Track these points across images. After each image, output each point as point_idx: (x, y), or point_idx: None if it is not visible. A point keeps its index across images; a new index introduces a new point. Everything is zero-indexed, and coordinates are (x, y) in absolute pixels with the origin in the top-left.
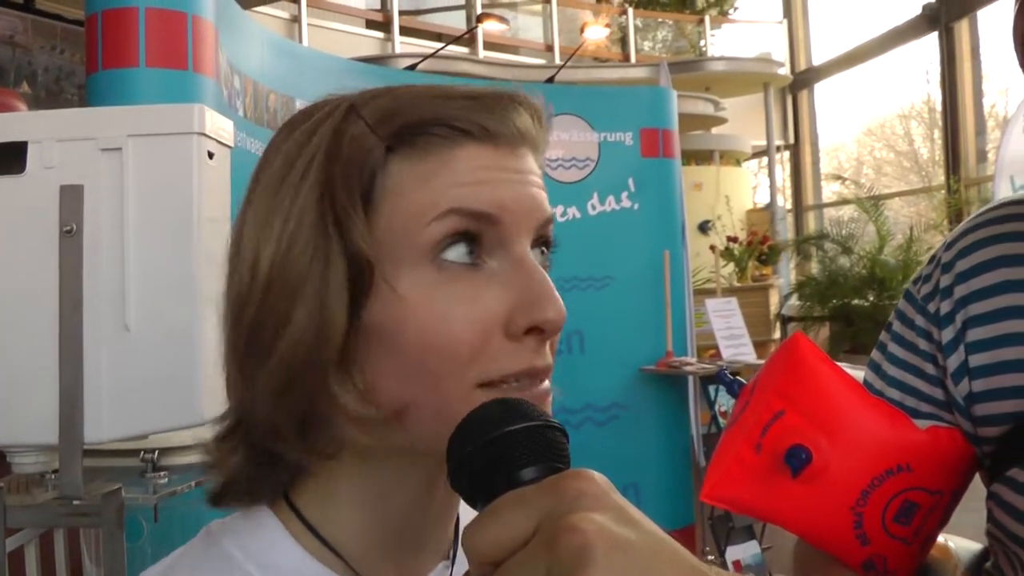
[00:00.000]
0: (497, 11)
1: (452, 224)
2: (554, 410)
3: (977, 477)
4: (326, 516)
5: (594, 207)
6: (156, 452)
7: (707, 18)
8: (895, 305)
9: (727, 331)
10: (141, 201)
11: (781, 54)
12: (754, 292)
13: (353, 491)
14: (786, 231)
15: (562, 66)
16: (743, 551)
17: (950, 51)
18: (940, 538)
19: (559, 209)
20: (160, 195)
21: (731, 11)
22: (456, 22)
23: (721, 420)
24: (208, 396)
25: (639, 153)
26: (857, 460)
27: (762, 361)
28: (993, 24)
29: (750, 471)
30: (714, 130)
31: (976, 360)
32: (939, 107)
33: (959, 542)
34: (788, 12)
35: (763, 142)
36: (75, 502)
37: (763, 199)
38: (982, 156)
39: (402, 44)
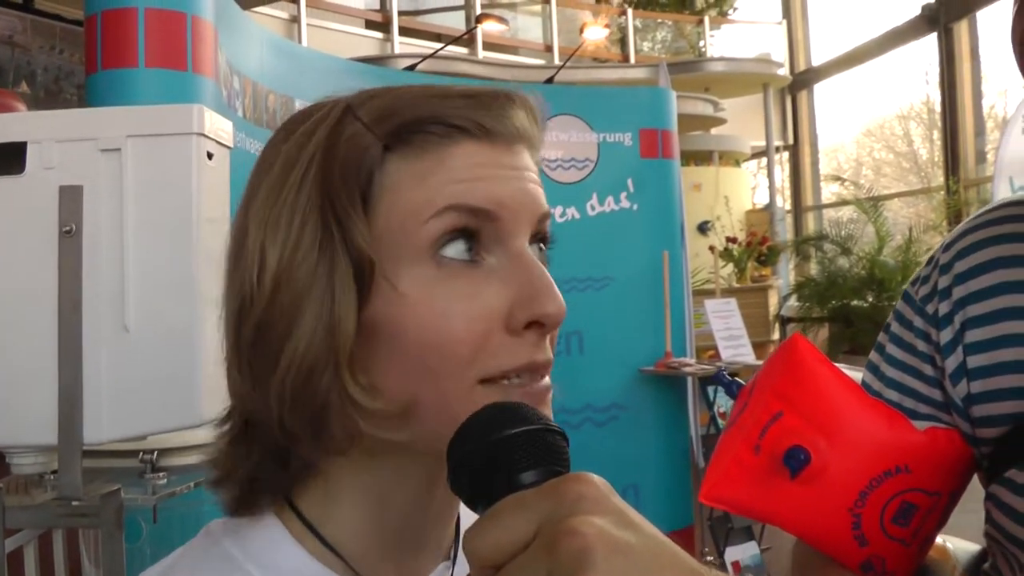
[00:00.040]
0: (496, 11)
1: (450, 221)
2: (553, 410)
3: (975, 478)
4: (327, 516)
5: (593, 208)
6: (155, 453)
7: (706, 19)
8: (894, 306)
9: (726, 332)
10: (140, 201)
11: (780, 55)
12: (753, 293)
13: (354, 491)
14: (785, 232)
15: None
16: (742, 552)
17: (949, 52)
18: (938, 539)
19: (558, 210)
20: (159, 195)
21: (730, 12)
22: (455, 22)
23: (720, 421)
24: (208, 397)
25: (638, 154)
26: (855, 461)
27: (761, 362)
28: (992, 25)
29: (749, 472)
30: (713, 131)
31: (974, 361)
32: (938, 108)
33: (957, 543)
34: (787, 13)
35: (762, 143)
36: (74, 503)
37: (762, 200)
38: (981, 157)
39: (401, 44)
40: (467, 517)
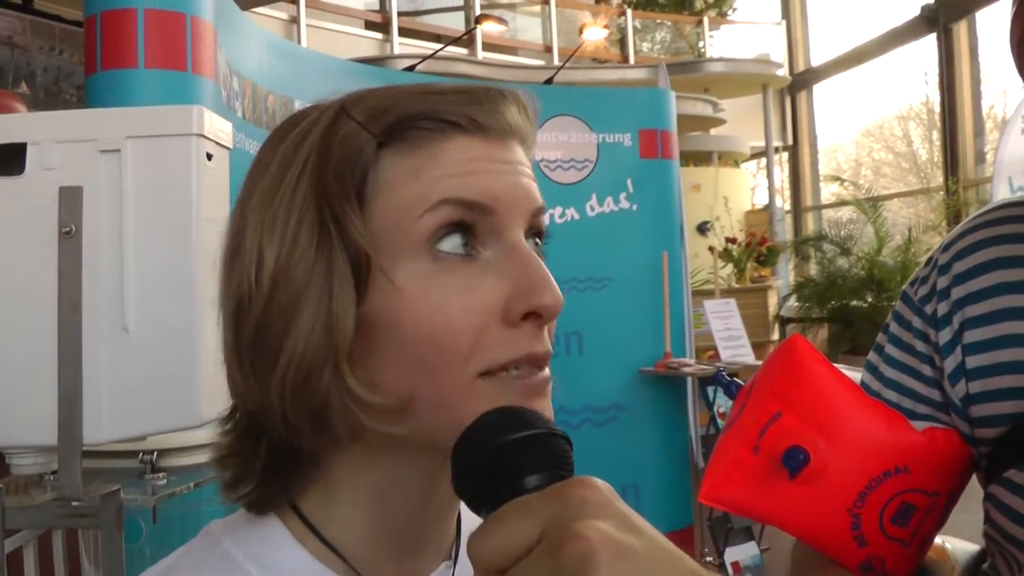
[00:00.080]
0: (496, 12)
1: (445, 215)
2: (553, 411)
3: (974, 478)
4: (327, 517)
5: (592, 208)
6: (155, 453)
7: (706, 19)
8: (893, 307)
9: (726, 332)
10: (140, 202)
11: (780, 55)
12: (753, 293)
13: (354, 491)
14: (785, 232)
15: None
16: (742, 552)
17: (949, 52)
18: (937, 539)
19: (557, 210)
20: (159, 196)
21: (730, 12)
22: (455, 23)
23: (720, 421)
24: (207, 397)
25: (638, 154)
26: (854, 462)
27: (760, 362)
28: (992, 25)
29: (748, 473)
30: (713, 131)
31: (973, 361)
32: (937, 108)
33: (956, 543)
34: (787, 13)
35: (762, 143)
36: (74, 503)
37: (762, 200)
38: (980, 157)
39: (401, 45)
40: (467, 516)
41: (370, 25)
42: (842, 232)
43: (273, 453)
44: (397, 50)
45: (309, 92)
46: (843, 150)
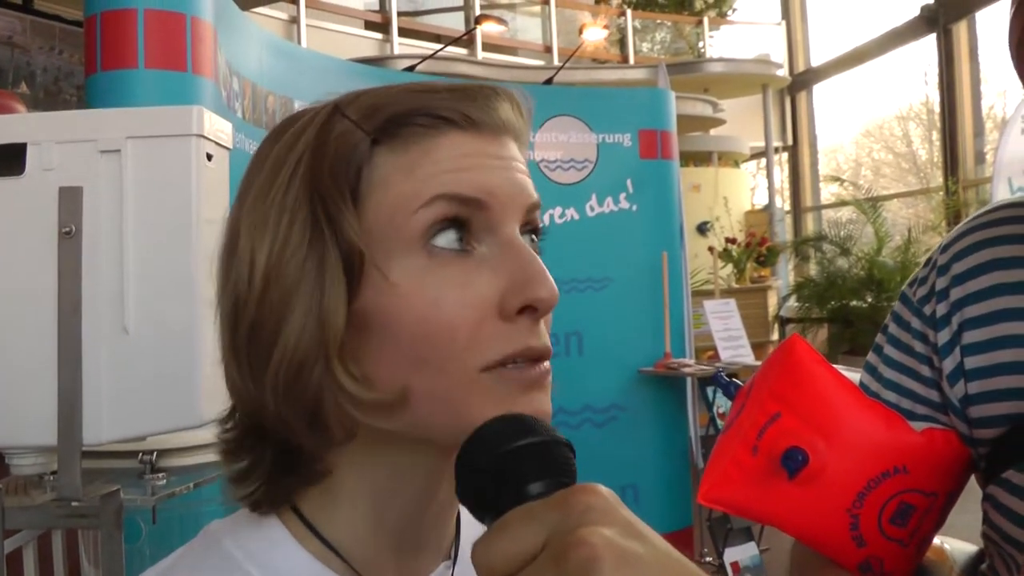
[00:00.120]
0: (496, 12)
1: (439, 210)
2: (552, 411)
3: (973, 479)
4: (327, 517)
5: (592, 208)
6: (155, 454)
7: (705, 19)
8: (892, 307)
9: (725, 332)
10: (140, 203)
11: (779, 55)
12: (752, 293)
13: (354, 492)
14: (784, 232)
15: (560, 67)
16: (741, 553)
17: (948, 53)
18: (936, 540)
19: (557, 210)
20: (159, 197)
21: (729, 12)
22: (455, 23)
23: (719, 421)
24: (207, 397)
25: (637, 154)
26: (853, 462)
27: (760, 363)
28: (991, 26)
29: (747, 473)
30: (712, 131)
31: (972, 362)
32: (937, 109)
33: (955, 544)
34: (786, 13)
35: (761, 143)
36: (73, 503)
37: (761, 200)
38: (980, 158)
39: (401, 45)
40: (467, 517)
41: (370, 25)
42: (842, 232)
43: (275, 453)
44: (397, 50)
45: (309, 92)
46: (843, 150)
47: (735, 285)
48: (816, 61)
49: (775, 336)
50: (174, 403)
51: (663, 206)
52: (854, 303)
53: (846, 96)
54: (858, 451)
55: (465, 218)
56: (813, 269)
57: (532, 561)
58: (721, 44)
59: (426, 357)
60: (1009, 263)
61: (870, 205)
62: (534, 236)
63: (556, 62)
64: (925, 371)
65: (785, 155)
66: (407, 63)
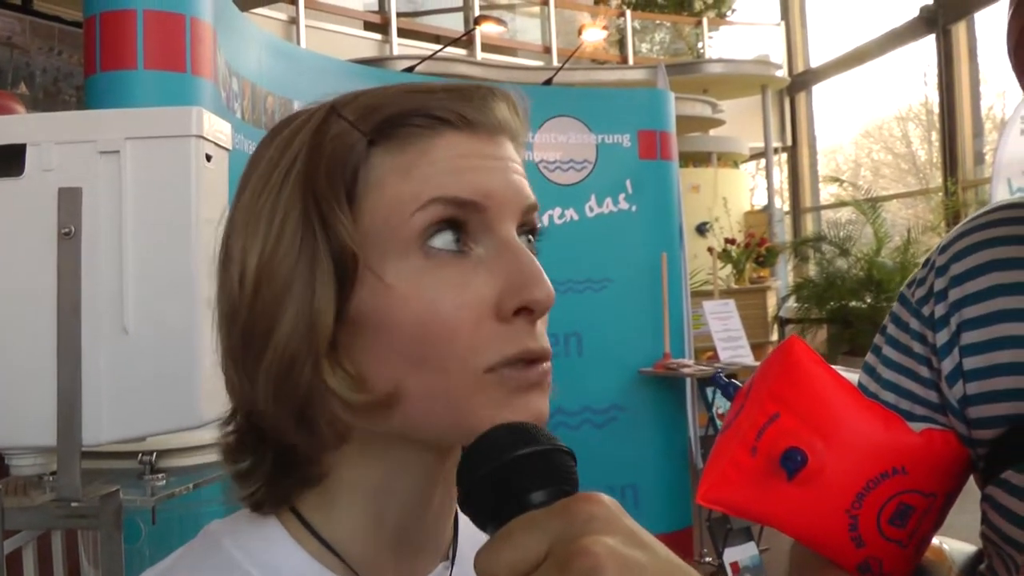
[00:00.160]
0: (495, 13)
1: (436, 212)
2: (551, 412)
3: (971, 480)
4: (326, 517)
5: (592, 209)
6: (154, 454)
7: (705, 20)
8: (891, 308)
9: (725, 333)
10: (139, 203)
11: (779, 56)
12: (752, 294)
13: (352, 492)
14: (784, 233)
15: (560, 68)
16: (741, 553)
17: (948, 53)
18: (935, 540)
19: (556, 211)
20: (158, 197)
21: (729, 13)
22: (454, 24)
23: (718, 422)
24: (207, 398)
25: (637, 155)
26: (852, 463)
27: (759, 363)
28: (991, 26)
29: (746, 474)
30: (712, 132)
31: (970, 363)
32: (937, 109)
33: (954, 544)
34: (786, 14)
35: (761, 144)
36: (73, 504)
37: (761, 201)
38: (979, 158)
39: (400, 46)
40: (466, 518)
41: (369, 26)
42: (841, 233)
43: (275, 454)
44: (396, 51)
45: (308, 93)
46: (842, 151)
47: (734, 286)
48: (815, 62)
49: (774, 337)
50: (174, 403)
51: (662, 207)
52: (853, 304)
53: (845, 97)
54: (857, 452)
55: (462, 220)
56: (812, 270)
57: (535, 570)
58: (720, 45)
59: (425, 357)
60: (1008, 264)
61: (869, 206)
62: (531, 237)
63: (555, 63)
64: (924, 372)
65: (784, 156)
66: (406, 64)
